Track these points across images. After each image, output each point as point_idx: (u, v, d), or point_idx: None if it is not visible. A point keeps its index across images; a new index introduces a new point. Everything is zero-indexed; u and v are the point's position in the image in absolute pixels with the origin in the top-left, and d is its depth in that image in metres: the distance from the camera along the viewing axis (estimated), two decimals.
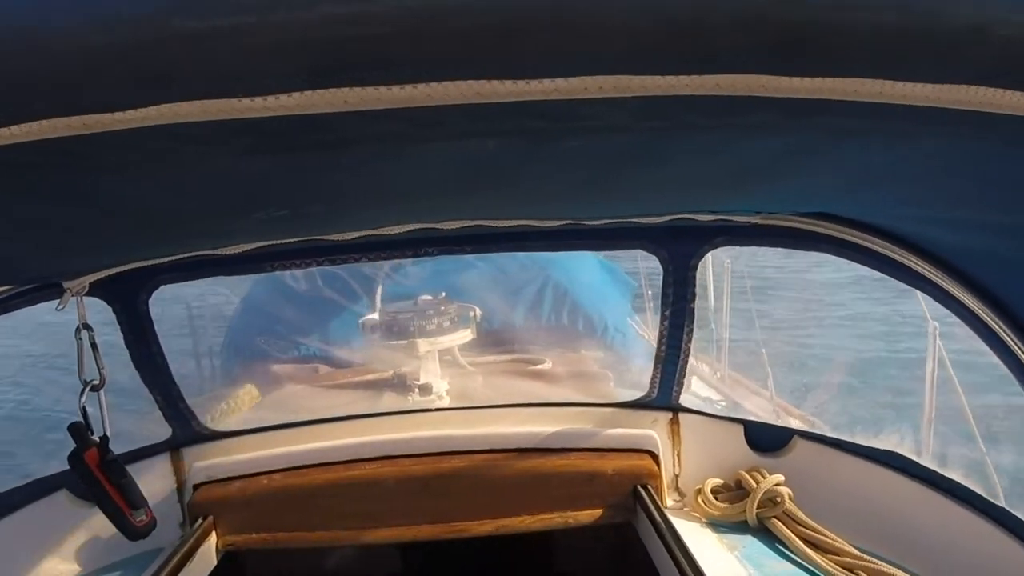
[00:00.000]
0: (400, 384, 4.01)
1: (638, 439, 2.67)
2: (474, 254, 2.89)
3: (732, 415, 2.78)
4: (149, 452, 2.60)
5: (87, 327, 1.86)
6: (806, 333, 14.10)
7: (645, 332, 6.15)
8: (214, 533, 2.50)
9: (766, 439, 2.63)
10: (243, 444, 2.70)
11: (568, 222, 2.03)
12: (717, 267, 7.30)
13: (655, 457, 2.64)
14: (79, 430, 1.83)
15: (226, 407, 3.85)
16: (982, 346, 1.59)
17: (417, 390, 3.75)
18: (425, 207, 1.52)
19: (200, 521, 2.48)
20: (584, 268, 5.68)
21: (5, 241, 1.10)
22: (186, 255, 2.00)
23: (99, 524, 1.87)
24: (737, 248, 2.93)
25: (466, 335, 4.24)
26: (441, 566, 3.11)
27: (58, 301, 1.77)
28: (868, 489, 2.33)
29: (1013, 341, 1.47)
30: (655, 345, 2.57)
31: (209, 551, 2.46)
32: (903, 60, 0.61)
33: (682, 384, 2.64)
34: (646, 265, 5.75)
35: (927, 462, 2.19)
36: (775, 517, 2.36)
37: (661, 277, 2.39)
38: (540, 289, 5.31)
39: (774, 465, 2.55)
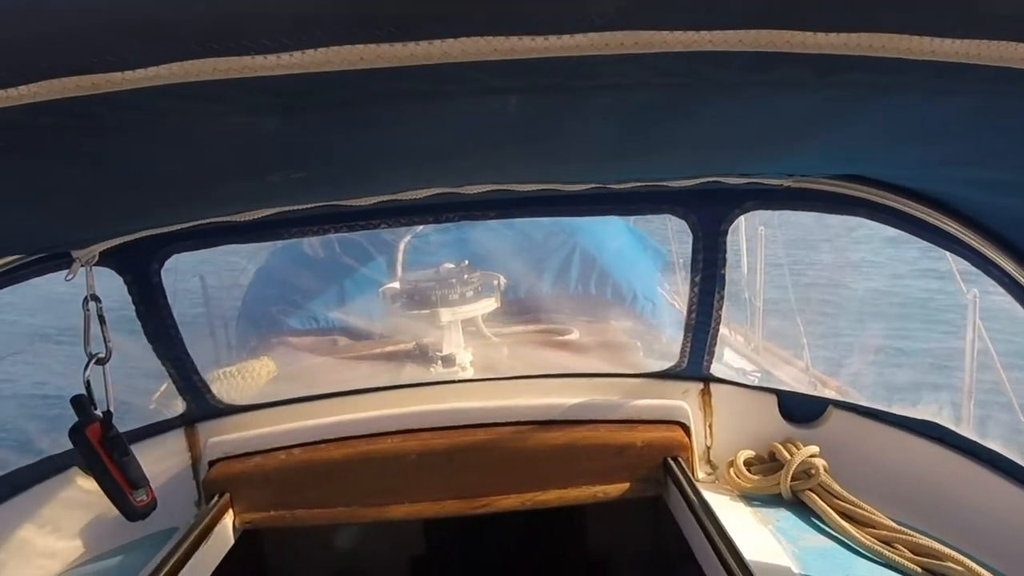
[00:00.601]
0: (422, 355, 3.97)
1: (668, 410, 2.61)
2: (497, 219, 2.84)
3: (765, 385, 2.72)
4: (162, 428, 2.56)
5: (95, 298, 1.82)
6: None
7: (676, 301, 6.04)
8: (231, 511, 2.47)
9: (800, 409, 2.58)
10: (260, 419, 2.65)
11: (594, 186, 1.97)
12: (750, 232, 7.14)
13: (686, 429, 2.59)
14: (81, 404, 1.79)
15: (242, 381, 3.82)
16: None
17: (440, 361, 3.72)
18: (446, 169, 1.49)
19: (216, 499, 2.45)
20: (613, 234, 5.54)
21: (13, 206, 1.07)
22: (199, 222, 1.95)
23: (110, 504, 1.84)
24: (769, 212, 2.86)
25: (490, 304, 4.17)
26: (465, 542, 3.09)
27: (67, 271, 1.73)
28: (905, 460, 2.28)
29: None
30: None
31: (226, 529, 2.43)
32: (928, 14, 0.61)
33: (713, 353, 2.57)
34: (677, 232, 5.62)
35: (967, 432, 2.14)
36: (810, 489, 2.32)
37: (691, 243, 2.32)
38: (567, 256, 5.17)
39: (808, 436, 2.50)
